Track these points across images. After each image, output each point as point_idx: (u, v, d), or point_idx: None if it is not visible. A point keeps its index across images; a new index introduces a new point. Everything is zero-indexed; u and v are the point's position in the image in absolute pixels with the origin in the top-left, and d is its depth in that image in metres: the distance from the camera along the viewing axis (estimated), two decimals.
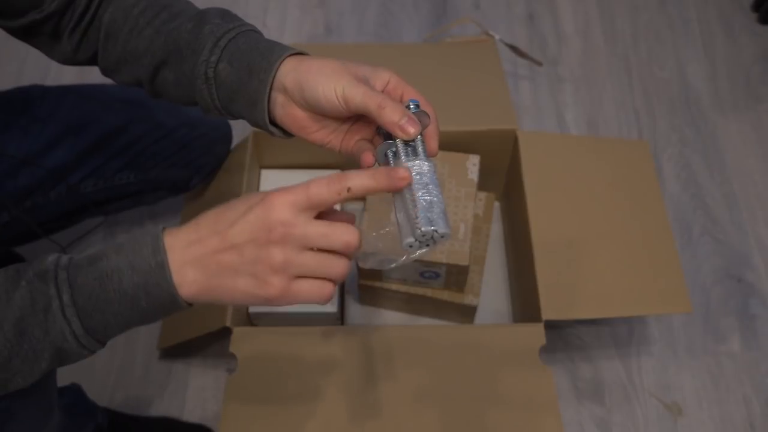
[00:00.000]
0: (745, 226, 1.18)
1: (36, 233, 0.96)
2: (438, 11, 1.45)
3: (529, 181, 0.95)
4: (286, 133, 0.62)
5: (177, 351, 1.03)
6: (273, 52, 0.59)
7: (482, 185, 1.05)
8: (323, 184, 0.51)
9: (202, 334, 0.88)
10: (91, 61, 0.69)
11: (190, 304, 0.53)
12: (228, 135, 1.03)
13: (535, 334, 0.84)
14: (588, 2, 1.46)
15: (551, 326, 0.91)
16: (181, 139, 0.96)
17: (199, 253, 0.51)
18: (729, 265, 1.14)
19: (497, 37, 1.22)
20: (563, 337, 1.06)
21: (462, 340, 0.84)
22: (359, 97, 0.56)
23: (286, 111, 0.59)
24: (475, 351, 0.83)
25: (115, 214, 1.06)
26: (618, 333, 1.07)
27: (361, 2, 1.46)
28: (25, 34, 0.68)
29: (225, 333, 0.84)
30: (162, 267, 0.51)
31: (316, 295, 0.52)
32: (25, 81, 1.18)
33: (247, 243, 0.51)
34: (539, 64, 1.30)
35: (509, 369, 0.82)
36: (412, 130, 0.56)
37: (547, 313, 0.85)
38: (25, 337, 0.50)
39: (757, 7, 1.43)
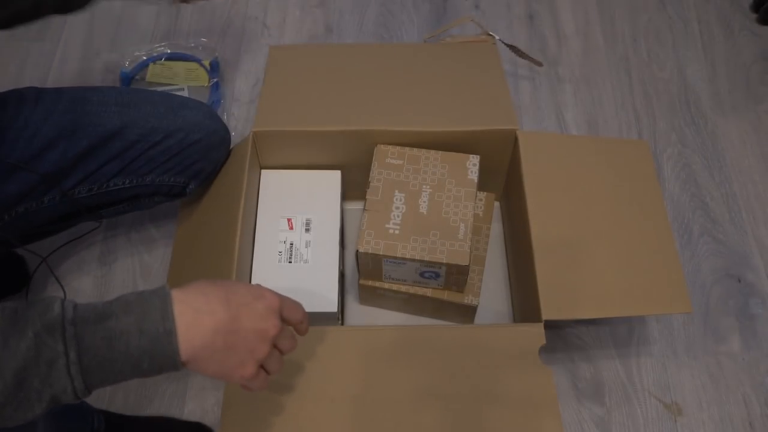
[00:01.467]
0: (745, 226, 1.18)
1: (35, 235, 0.96)
2: (438, 11, 1.45)
3: (529, 181, 0.95)
4: None
5: None
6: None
7: (482, 185, 1.06)
8: (300, 311, 0.66)
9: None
10: None
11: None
12: (226, 140, 1.01)
13: (535, 334, 0.84)
14: (588, 2, 1.46)
15: (551, 326, 0.91)
16: (178, 145, 0.94)
17: (209, 326, 0.56)
18: (729, 265, 1.14)
19: (497, 37, 1.22)
20: (563, 337, 1.06)
21: (462, 340, 0.84)
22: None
23: None
24: (475, 351, 0.83)
25: (114, 218, 1.05)
26: (618, 333, 1.07)
27: (361, 2, 1.46)
28: None
29: None
30: (170, 334, 0.54)
31: (264, 384, 0.63)
32: (26, 82, 1.18)
33: (251, 332, 0.59)
34: (539, 64, 1.31)
35: (509, 369, 0.82)
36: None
37: (547, 313, 0.85)
38: (24, 387, 0.51)
39: (756, 7, 1.43)
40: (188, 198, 1.03)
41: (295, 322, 0.66)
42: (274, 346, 0.63)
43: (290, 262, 0.98)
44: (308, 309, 0.87)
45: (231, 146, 1.03)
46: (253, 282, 0.93)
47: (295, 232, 1.00)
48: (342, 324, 1.04)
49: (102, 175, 0.91)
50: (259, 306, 0.60)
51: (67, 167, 0.88)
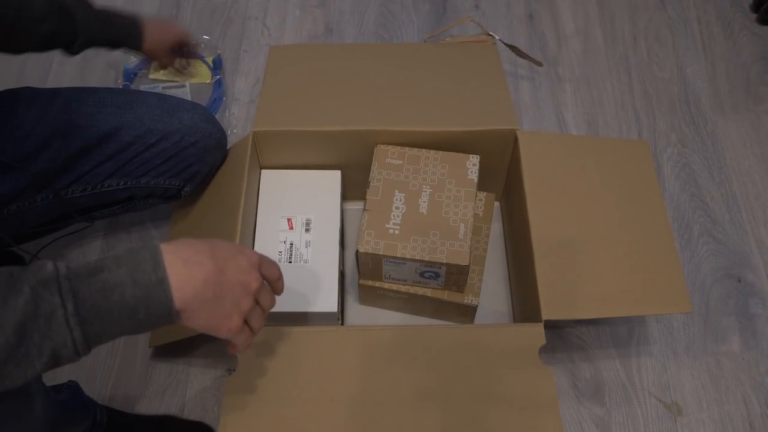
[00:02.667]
0: (745, 226, 1.18)
1: (28, 235, 0.96)
2: (438, 11, 1.45)
3: (529, 181, 0.95)
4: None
5: (177, 351, 1.03)
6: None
7: (482, 185, 1.06)
8: (277, 270, 0.69)
9: (197, 334, 0.88)
10: None
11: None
12: (222, 143, 1.00)
13: (535, 334, 0.84)
14: (588, 2, 1.46)
15: (551, 326, 0.92)
16: (173, 147, 0.93)
17: (199, 276, 0.58)
18: (729, 265, 1.14)
19: (497, 37, 1.22)
20: (563, 337, 1.06)
21: (462, 340, 0.84)
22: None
23: None
24: (475, 351, 0.83)
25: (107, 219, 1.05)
26: (618, 333, 1.07)
27: (361, 2, 1.46)
28: None
29: None
30: (163, 282, 0.56)
31: (248, 341, 0.66)
32: (26, 81, 1.19)
33: (236, 284, 0.62)
34: (539, 64, 1.31)
35: (509, 369, 0.82)
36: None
37: (547, 313, 0.85)
38: (24, 341, 0.52)
39: (756, 7, 1.43)
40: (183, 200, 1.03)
41: (272, 279, 0.68)
42: (256, 302, 0.65)
43: (290, 261, 0.98)
44: (308, 309, 0.87)
45: (230, 146, 1.03)
46: None
47: (295, 232, 1.00)
48: (342, 324, 1.04)
49: (96, 175, 0.91)
50: (242, 260, 0.63)
51: (61, 167, 0.88)
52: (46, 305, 0.52)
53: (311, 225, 1.01)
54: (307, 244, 0.99)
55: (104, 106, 0.91)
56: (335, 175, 1.06)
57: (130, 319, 0.55)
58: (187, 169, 0.96)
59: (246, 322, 0.64)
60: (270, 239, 0.99)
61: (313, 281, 0.97)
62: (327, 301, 0.95)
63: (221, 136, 1.00)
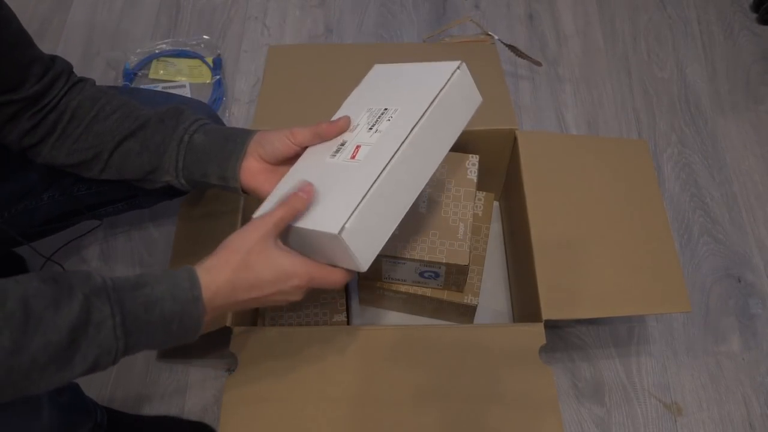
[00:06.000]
0: (745, 226, 1.18)
1: (36, 234, 0.96)
2: (438, 11, 1.45)
3: (529, 180, 0.95)
4: (243, 192, 0.76)
5: (177, 351, 1.03)
6: (243, 131, 0.76)
7: (482, 185, 1.06)
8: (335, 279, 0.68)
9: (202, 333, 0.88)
10: (34, 146, 0.77)
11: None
12: None
13: (535, 333, 0.84)
14: (588, 2, 1.46)
15: (551, 326, 0.92)
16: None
17: (231, 303, 0.62)
18: (729, 265, 1.14)
19: (496, 37, 1.22)
20: (563, 337, 1.06)
21: (462, 340, 0.84)
22: (304, 131, 0.73)
23: (245, 166, 0.73)
24: (475, 351, 0.83)
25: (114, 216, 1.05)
26: (618, 333, 1.07)
27: (361, 2, 1.46)
28: None
29: (225, 333, 0.84)
30: (197, 300, 0.59)
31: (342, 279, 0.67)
32: None
33: (271, 301, 0.65)
34: (538, 64, 1.31)
35: (509, 369, 0.82)
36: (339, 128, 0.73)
37: (547, 312, 0.85)
38: (72, 346, 0.53)
39: (757, 7, 1.43)
40: (188, 197, 1.03)
41: (329, 286, 0.68)
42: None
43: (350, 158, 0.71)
44: (308, 226, 0.66)
45: None
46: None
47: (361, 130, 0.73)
48: (348, 322, 1.04)
49: None
50: (284, 287, 0.64)
51: None
52: (97, 314, 0.54)
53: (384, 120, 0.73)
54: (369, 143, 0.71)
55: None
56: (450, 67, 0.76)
57: (164, 332, 0.59)
58: None
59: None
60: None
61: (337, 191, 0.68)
62: (331, 219, 0.65)
63: None
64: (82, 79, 0.78)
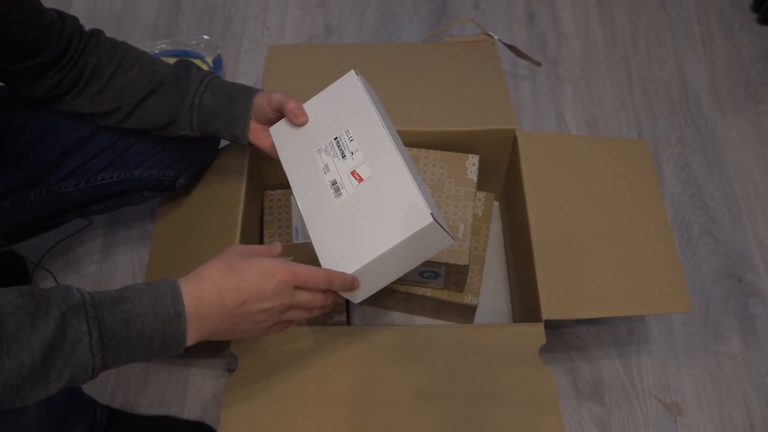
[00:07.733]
0: (745, 226, 1.18)
1: (23, 234, 0.95)
2: (438, 11, 1.45)
3: (529, 180, 0.95)
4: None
5: None
6: (244, 92, 0.85)
7: (482, 185, 1.06)
8: (320, 281, 0.67)
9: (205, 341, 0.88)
10: (58, 97, 0.83)
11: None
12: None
13: (535, 333, 0.84)
14: (588, 2, 1.46)
15: (551, 326, 0.91)
16: (166, 138, 0.91)
17: (217, 315, 0.62)
18: (729, 265, 1.14)
19: (496, 37, 1.22)
20: (563, 337, 1.06)
21: (462, 340, 0.84)
22: (278, 96, 0.81)
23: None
24: (475, 351, 0.83)
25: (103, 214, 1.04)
26: (618, 333, 1.07)
27: (361, 2, 1.46)
28: (16, 75, 0.79)
29: None
30: (180, 317, 0.59)
31: (280, 328, 0.69)
32: None
33: (258, 312, 0.64)
34: (538, 64, 1.31)
35: (509, 369, 0.82)
36: (303, 119, 0.79)
37: (547, 312, 0.85)
38: (47, 365, 0.53)
39: (756, 7, 1.43)
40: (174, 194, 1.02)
41: (320, 287, 0.67)
42: (295, 307, 0.67)
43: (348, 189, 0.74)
44: (398, 239, 0.67)
45: (219, 144, 1.02)
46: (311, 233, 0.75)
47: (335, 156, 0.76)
48: (348, 323, 1.04)
49: (89, 168, 0.90)
50: (269, 286, 0.63)
51: (54, 161, 0.88)
52: (73, 332, 0.54)
53: (352, 137, 0.76)
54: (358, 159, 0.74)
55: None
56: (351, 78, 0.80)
57: (144, 349, 0.58)
58: (181, 160, 0.95)
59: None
60: (310, 178, 0.77)
61: (388, 199, 0.70)
62: (416, 214, 0.68)
63: None
64: (93, 32, 0.83)
